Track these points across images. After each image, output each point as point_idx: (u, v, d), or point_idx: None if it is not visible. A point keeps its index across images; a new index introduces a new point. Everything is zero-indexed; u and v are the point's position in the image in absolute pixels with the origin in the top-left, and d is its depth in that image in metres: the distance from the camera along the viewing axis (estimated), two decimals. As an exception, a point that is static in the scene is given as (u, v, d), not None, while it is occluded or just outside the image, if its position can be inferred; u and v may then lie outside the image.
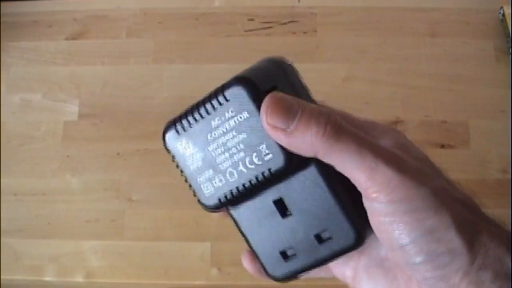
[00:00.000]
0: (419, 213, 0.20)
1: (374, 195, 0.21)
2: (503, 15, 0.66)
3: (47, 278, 0.58)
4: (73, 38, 0.69)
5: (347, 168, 0.21)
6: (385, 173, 0.20)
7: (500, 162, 0.59)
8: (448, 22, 0.68)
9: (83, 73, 0.67)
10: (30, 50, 0.69)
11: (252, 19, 0.69)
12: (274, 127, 0.21)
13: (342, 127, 0.21)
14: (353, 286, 0.26)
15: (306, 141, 0.20)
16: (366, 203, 0.22)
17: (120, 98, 0.66)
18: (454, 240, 0.20)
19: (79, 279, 0.58)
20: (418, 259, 0.21)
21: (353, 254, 0.25)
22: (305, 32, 0.67)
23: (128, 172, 0.62)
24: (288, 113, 0.21)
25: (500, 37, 0.66)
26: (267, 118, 0.21)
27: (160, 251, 0.59)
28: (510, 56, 0.64)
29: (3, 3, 0.71)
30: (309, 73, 0.72)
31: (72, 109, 0.65)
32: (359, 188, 0.21)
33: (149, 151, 0.63)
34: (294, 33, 0.68)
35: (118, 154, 0.63)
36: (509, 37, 0.65)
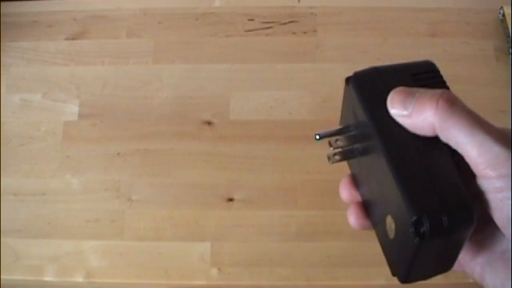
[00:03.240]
0: None
1: (484, 171, 0.22)
2: (503, 15, 0.66)
3: (47, 278, 0.58)
4: (73, 38, 0.69)
5: (460, 143, 0.22)
6: (493, 150, 0.21)
7: (500, 162, 0.59)
8: (448, 22, 0.68)
9: (83, 73, 0.67)
10: (30, 50, 0.69)
11: (252, 19, 0.69)
12: (398, 116, 0.24)
13: (455, 103, 0.23)
14: (479, 282, 0.26)
15: (424, 119, 0.23)
16: (479, 181, 0.22)
17: (120, 98, 0.66)
18: None
19: (79, 279, 0.58)
20: None
21: (482, 250, 0.25)
22: (305, 32, 0.67)
23: (128, 172, 0.62)
24: (404, 100, 0.24)
25: (500, 37, 0.66)
26: (390, 110, 0.24)
27: (160, 251, 0.59)
28: (510, 56, 0.64)
29: (3, 3, 0.71)
30: (309, 73, 0.73)
31: (72, 109, 0.65)
32: (471, 165, 0.22)
33: (149, 151, 0.63)
34: (294, 33, 0.68)
35: (118, 154, 0.63)
36: (509, 37, 0.65)
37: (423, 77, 0.26)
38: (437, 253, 0.24)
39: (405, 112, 0.24)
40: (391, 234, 0.24)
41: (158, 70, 0.67)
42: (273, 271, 0.57)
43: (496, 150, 0.21)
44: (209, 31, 0.69)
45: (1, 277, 0.58)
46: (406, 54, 0.65)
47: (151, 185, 0.61)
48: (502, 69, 0.64)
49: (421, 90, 0.24)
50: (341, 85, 0.28)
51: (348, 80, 0.27)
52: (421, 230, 0.22)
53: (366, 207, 0.28)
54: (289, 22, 0.68)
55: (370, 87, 0.26)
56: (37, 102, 0.66)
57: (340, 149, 0.28)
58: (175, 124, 0.63)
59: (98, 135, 0.64)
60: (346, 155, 0.28)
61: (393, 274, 0.26)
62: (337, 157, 0.28)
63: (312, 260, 0.57)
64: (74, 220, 0.60)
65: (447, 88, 0.26)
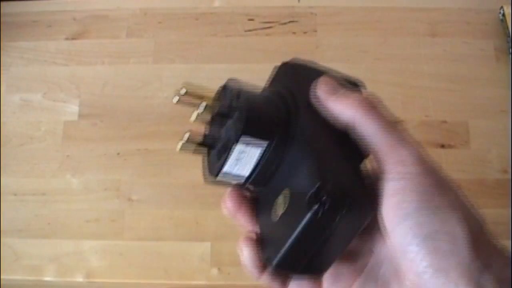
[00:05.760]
0: (428, 189, 0.21)
1: (391, 166, 0.22)
2: (503, 15, 0.66)
3: (47, 278, 0.58)
4: (73, 38, 0.69)
5: (373, 138, 0.23)
6: (405, 150, 0.23)
7: (500, 162, 0.59)
8: (448, 22, 0.68)
9: (83, 73, 0.67)
10: (30, 50, 0.69)
11: (252, 19, 0.69)
12: (321, 96, 0.25)
13: (378, 104, 0.24)
14: None
15: (347, 106, 0.24)
16: (381, 179, 0.23)
17: (120, 98, 0.66)
18: (458, 224, 0.20)
19: (79, 279, 0.58)
20: (418, 238, 0.21)
21: (349, 274, 0.25)
22: (305, 32, 0.67)
23: (128, 172, 0.62)
24: (334, 87, 0.25)
25: (500, 37, 0.66)
26: (318, 89, 0.25)
27: (160, 251, 0.59)
28: (510, 56, 0.64)
29: (3, 3, 0.71)
30: (309, 73, 0.72)
31: (72, 109, 0.65)
32: (378, 160, 0.23)
33: (149, 151, 0.63)
34: (294, 33, 0.68)
35: (118, 154, 0.63)
36: (509, 37, 0.65)
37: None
38: (323, 236, 0.23)
39: (331, 95, 0.25)
40: (280, 209, 0.24)
41: (158, 70, 0.67)
42: (273, 271, 0.57)
43: (408, 151, 0.23)
44: (209, 31, 0.69)
45: (1, 277, 0.58)
46: (406, 54, 0.65)
47: (151, 185, 0.61)
48: (502, 69, 0.64)
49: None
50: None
51: (283, 63, 0.28)
52: (322, 198, 0.21)
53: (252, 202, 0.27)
54: (289, 22, 0.68)
55: (303, 75, 0.27)
56: (37, 102, 0.66)
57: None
58: (175, 124, 0.63)
59: (98, 135, 0.64)
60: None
61: (265, 260, 0.25)
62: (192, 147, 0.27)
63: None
64: (74, 220, 0.60)
65: None
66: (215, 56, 0.67)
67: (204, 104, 0.26)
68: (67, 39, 0.69)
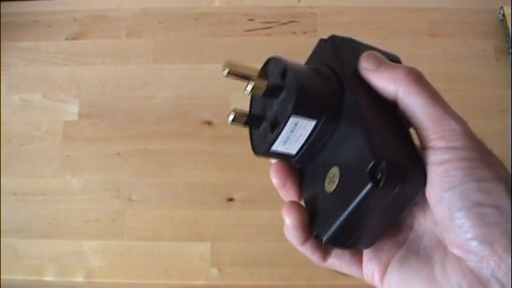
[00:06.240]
0: (473, 162, 0.21)
1: (434, 142, 0.22)
2: (503, 15, 0.66)
3: (47, 278, 0.58)
4: (73, 38, 0.69)
5: (418, 111, 0.23)
6: (450, 123, 0.22)
7: (500, 162, 0.59)
8: (448, 22, 0.68)
9: (83, 73, 0.67)
10: (30, 50, 0.69)
11: (252, 19, 0.69)
12: (367, 69, 0.25)
13: (423, 77, 0.24)
14: (377, 283, 0.26)
15: (392, 79, 0.24)
16: (425, 151, 0.23)
17: (120, 98, 0.66)
18: (503, 196, 0.21)
19: (79, 279, 0.58)
20: (463, 210, 0.21)
21: (388, 248, 0.25)
22: (305, 32, 0.67)
23: (128, 172, 0.62)
24: (380, 60, 0.25)
25: (500, 37, 0.66)
26: (363, 63, 0.25)
27: (160, 251, 0.59)
28: (510, 56, 0.64)
29: (3, 3, 0.71)
30: (309, 73, 0.72)
31: (72, 109, 0.65)
32: (422, 136, 0.23)
33: (149, 151, 0.63)
34: (294, 33, 0.68)
35: (118, 154, 0.63)
36: (509, 37, 0.65)
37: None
38: (377, 210, 0.23)
39: (377, 68, 0.25)
40: (331, 187, 0.24)
41: (158, 70, 0.67)
42: (273, 271, 0.57)
43: (453, 125, 0.22)
44: (209, 31, 0.69)
45: (1, 277, 0.58)
46: (406, 54, 0.65)
47: (151, 185, 0.61)
48: (502, 69, 0.64)
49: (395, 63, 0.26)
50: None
51: (323, 40, 0.28)
52: (378, 176, 0.22)
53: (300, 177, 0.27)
54: (289, 22, 0.68)
55: (346, 50, 0.27)
56: (37, 102, 0.66)
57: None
58: (175, 124, 0.63)
59: (98, 135, 0.64)
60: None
61: (315, 235, 0.25)
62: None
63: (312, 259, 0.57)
64: (74, 220, 0.60)
65: None
66: (215, 56, 0.67)
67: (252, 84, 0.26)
68: (67, 39, 0.69)
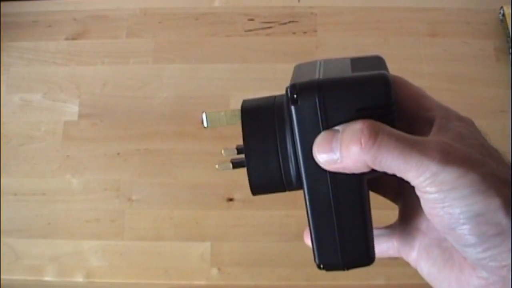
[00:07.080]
0: (467, 199, 0.22)
1: (425, 189, 0.22)
2: (503, 15, 0.66)
3: (47, 278, 0.58)
4: (73, 38, 0.69)
5: (396, 171, 0.22)
6: (431, 168, 0.22)
7: (500, 162, 0.59)
8: (448, 22, 0.68)
9: (83, 73, 0.67)
10: (30, 50, 0.69)
11: (252, 19, 0.69)
12: (327, 163, 0.24)
13: (378, 133, 0.22)
14: (414, 266, 0.27)
15: (354, 161, 0.23)
16: (418, 193, 0.23)
17: (120, 98, 0.66)
18: (502, 222, 0.21)
19: (79, 279, 0.58)
20: (469, 241, 0.22)
21: (418, 235, 0.26)
22: (305, 32, 0.67)
23: (128, 172, 0.62)
24: (329, 149, 0.23)
25: (500, 37, 0.66)
26: (319, 159, 0.24)
27: (160, 251, 0.59)
28: (510, 56, 0.64)
29: (3, 3, 0.71)
30: (309, 73, 0.72)
31: (72, 109, 0.65)
32: (412, 184, 0.23)
33: (149, 151, 0.63)
34: (294, 33, 0.68)
35: (118, 154, 0.63)
36: (509, 37, 0.65)
37: (368, 106, 0.24)
38: (331, 202, 0.25)
39: (335, 160, 0.23)
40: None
41: (158, 70, 0.67)
42: (273, 271, 0.57)
43: (434, 169, 0.22)
44: (209, 31, 0.69)
45: (1, 277, 0.58)
46: (406, 54, 0.65)
47: (151, 185, 0.61)
48: (502, 69, 0.64)
49: (342, 128, 0.23)
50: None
51: (292, 96, 0.24)
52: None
53: None
54: (289, 22, 0.68)
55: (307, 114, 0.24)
56: (37, 102, 0.66)
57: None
58: (175, 124, 0.63)
59: (98, 135, 0.64)
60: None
61: (318, 266, 0.27)
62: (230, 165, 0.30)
63: (312, 260, 0.57)
64: (74, 220, 0.60)
65: (392, 104, 0.24)
66: (215, 56, 0.67)
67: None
68: (67, 39, 0.69)
